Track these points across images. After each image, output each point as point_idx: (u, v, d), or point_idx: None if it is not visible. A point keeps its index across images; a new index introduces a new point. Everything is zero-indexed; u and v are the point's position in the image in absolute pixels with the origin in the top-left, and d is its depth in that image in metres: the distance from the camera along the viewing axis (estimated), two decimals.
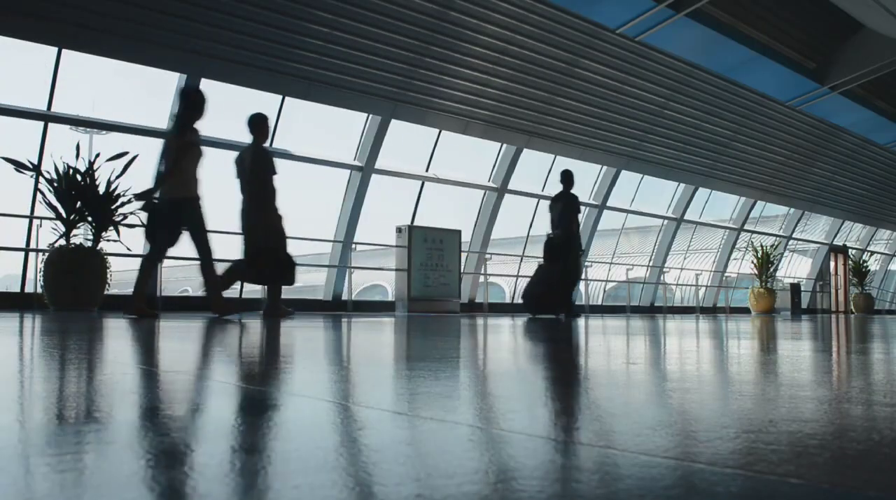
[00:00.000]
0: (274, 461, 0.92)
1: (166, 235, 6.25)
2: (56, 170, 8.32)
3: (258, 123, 7.09)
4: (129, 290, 6.72)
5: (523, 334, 4.95)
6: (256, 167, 6.90)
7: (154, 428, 1.19)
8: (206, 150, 6.41)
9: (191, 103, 6.34)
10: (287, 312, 7.25)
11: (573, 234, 9.82)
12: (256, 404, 1.49)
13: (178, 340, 3.83)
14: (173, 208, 6.17)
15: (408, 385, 1.81)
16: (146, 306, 6.29)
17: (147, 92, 11.06)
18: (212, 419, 1.33)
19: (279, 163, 7.27)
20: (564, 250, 9.73)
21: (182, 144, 6.15)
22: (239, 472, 0.87)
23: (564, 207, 9.81)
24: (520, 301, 11.49)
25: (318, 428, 1.20)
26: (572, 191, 9.98)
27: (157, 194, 6.19)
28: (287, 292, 8.09)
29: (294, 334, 4.34)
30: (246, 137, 7.22)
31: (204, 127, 6.50)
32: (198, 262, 6.32)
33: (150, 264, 6.49)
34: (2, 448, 0.99)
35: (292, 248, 7.42)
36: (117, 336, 3.88)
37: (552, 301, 9.74)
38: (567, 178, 9.98)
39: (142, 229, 6.94)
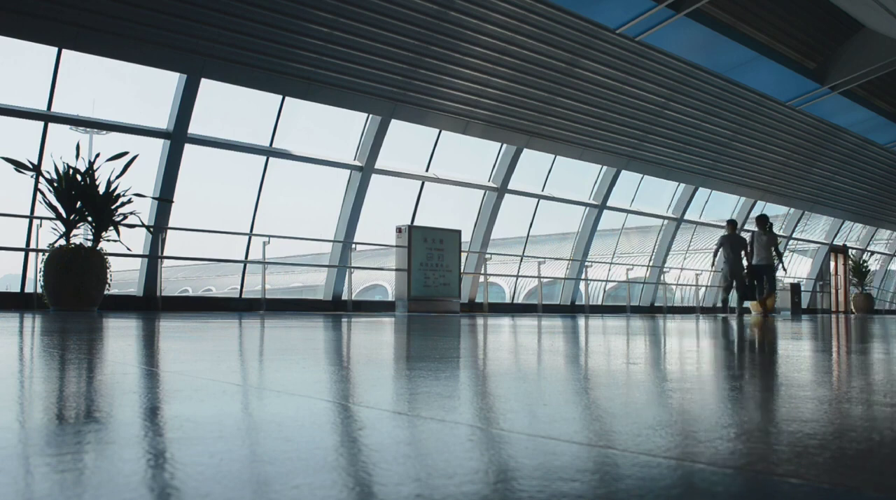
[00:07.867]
0: (274, 460, 0.92)
1: (754, 281, 13.18)
2: (56, 170, 8.32)
3: (765, 221, 13.55)
4: (129, 290, 6.78)
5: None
6: (771, 244, 13.36)
7: (153, 428, 1.19)
8: (212, 150, 6.48)
9: (768, 222, 13.49)
10: (771, 315, 13.18)
11: None
12: (258, 405, 1.49)
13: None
14: (763, 269, 13.24)
15: (407, 385, 1.81)
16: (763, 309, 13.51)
17: (147, 92, 11.06)
18: (213, 418, 1.33)
19: (280, 163, 7.31)
20: None
21: (771, 238, 13.30)
22: (239, 472, 0.87)
23: None
24: (520, 301, 12.25)
25: (318, 428, 1.20)
26: None
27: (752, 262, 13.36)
28: (286, 292, 8.14)
29: (294, 335, 4.34)
30: None
31: (204, 128, 6.53)
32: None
33: (752, 294, 13.41)
34: (2, 448, 0.99)
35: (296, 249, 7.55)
36: (127, 336, 3.88)
37: None
38: None
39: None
